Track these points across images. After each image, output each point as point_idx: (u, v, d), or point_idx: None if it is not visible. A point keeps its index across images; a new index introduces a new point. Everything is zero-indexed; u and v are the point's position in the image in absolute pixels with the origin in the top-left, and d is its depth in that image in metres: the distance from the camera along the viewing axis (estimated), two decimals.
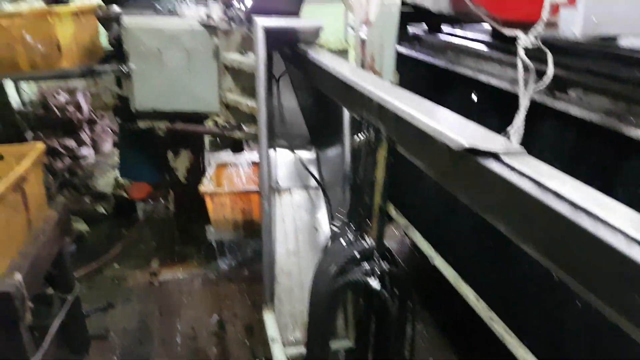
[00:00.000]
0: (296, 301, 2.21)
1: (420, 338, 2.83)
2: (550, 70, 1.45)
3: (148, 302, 3.10)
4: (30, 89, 4.93)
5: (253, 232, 3.19)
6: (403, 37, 2.63)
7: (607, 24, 1.17)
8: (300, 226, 2.40)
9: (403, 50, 2.70)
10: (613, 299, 0.53)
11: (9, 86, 4.40)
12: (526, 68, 1.55)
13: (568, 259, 0.60)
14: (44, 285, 2.63)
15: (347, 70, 1.56)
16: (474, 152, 0.79)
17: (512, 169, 0.70)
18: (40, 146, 2.23)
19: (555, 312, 1.61)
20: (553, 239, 0.63)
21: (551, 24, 1.45)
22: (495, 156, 0.77)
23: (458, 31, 2.50)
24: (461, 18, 2.46)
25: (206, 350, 2.72)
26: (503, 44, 2.01)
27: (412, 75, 2.73)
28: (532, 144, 1.77)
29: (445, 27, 2.58)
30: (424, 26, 2.70)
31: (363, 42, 2.58)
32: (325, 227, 2.43)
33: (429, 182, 2.41)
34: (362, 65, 2.58)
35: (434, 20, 2.45)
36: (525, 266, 1.73)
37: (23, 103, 4.63)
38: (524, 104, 1.56)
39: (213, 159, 3.64)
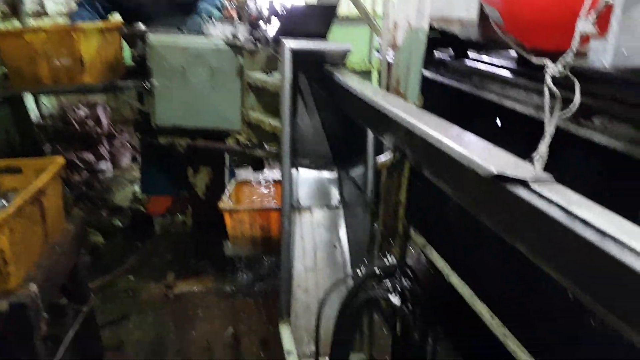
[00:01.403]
0: (312, 316, 2.22)
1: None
2: (577, 98, 1.48)
3: (163, 314, 3.11)
4: (50, 102, 5.02)
5: (271, 248, 3.21)
6: (429, 61, 2.66)
7: (638, 55, 1.20)
8: (319, 244, 2.42)
9: (428, 74, 2.74)
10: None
11: (29, 100, 4.48)
12: (552, 95, 1.58)
13: (594, 285, 0.62)
14: (59, 297, 2.67)
15: (373, 93, 1.59)
16: (502, 179, 0.81)
17: (541, 196, 0.72)
18: (59, 160, 2.27)
19: (570, 332, 1.61)
20: (581, 266, 0.65)
21: (579, 53, 1.48)
22: (524, 183, 0.79)
23: (484, 57, 2.54)
24: (488, 45, 2.50)
25: None
26: (528, 71, 2.04)
27: (436, 99, 2.76)
28: (555, 171, 1.80)
29: (471, 53, 2.62)
30: (450, 51, 2.74)
31: (389, 65, 2.63)
32: (344, 245, 2.45)
33: (447, 202, 2.42)
34: (388, 88, 2.63)
35: (461, 46, 2.49)
36: (542, 286, 1.73)
37: (42, 116, 4.71)
38: (549, 131, 1.58)
39: (234, 177, 3.68)
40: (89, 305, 2.57)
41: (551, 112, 1.58)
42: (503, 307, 2.03)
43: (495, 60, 2.41)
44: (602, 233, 0.62)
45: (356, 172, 2.45)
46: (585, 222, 0.65)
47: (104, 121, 4.89)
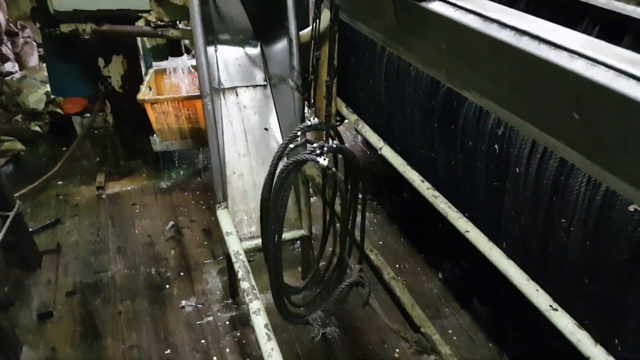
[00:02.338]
0: (251, 200, 2.21)
1: (371, 226, 2.95)
2: None
3: (98, 215, 3.03)
4: None
5: (202, 140, 3.10)
6: None
7: None
8: (249, 127, 2.34)
9: None
10: (556, 120, 0.53)
11: None
12: None
13: (513, 89, 0.59)
14: None
15: None
16: None
17: (456, 6, 0.67)
18: None
19: (498, 189, 1.68)
20: (498, 73, 0.61)
21: None
22: None
23: None
24: None
25: (165, 254, 2.74)
26: None
27: None
28: None
29: None
30: None
31: None
32: (275, 127, 2.38)
33: (377, 77, 2.36)
34: None
35: None
36: (469, 147, 1.77)
37: None
38: None
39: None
40: (16, 212, 2.45)
41: None
42: (432, 172, 2.09)
43: None
44: (519, 31, 0.56)
45: (280, 46, 2.31)
46: (500, 24, 0.59)
47: (1, 18, 4.32)
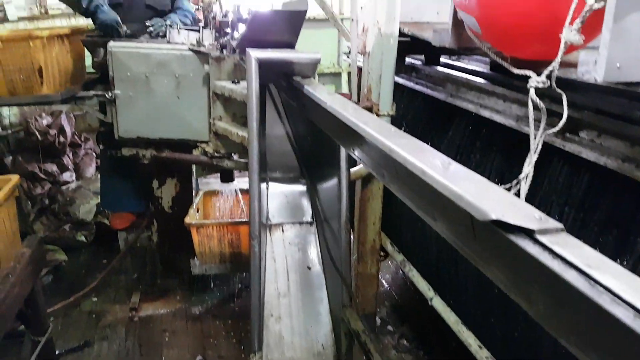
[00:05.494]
0: (287, 349, 2.06)
1: None
2: (565, 112, 1.37)
3: (127, 340, 2.92)
4: (11, 111, 4.76)
5: (241, 265, 3.05)
6: (399, 67, 2.56)
7: (632, 68, 1.09)
8: (292, 265, 2.27)
9: (399, 80, 2.63)
10: None
11: None
12: (536, 107, 1.47)
13: None
14: (15, 324, 2.47)
15: (344, 107, 1.45)
16: (501, 226, 0.68)
17: (551, 252, 0.60)
18: (15, 179, 2.09)
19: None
20: (606, 344, 0.52)
21: (564, 63, 1.37)
22: (528, 233, 0.65)
23: (457, 62, 2.44)
24: (463, 52, 2.40)
25: None
26: (505, 78, 1.93)
27: (409, 106, 2.66)
28: (540, 187, 1.69)
29: (443, 58, 2.52)
30: (421, 56, 2.64)
31: (359, 70, 2.50)
32: (318, 266, 2.30)
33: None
34: (358, 97, 2.51)
35: (433, 52, 2.38)
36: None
37: (3, 126, 4.46)
38: (534, 148, 1.47)
39: (201, 186, 3.51)
40: (48, 336, 2.39)
41: (536, 127, 1.47)
42: (491, 338, 1.91)
43: (469, 65, 2.31)
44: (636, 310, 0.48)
45: (328, 184, 2.32)
46: (612, 293, 0.52)
47: (68, 130, 4.65)
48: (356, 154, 1.33)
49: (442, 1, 2.40)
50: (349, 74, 3.83)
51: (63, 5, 4.42)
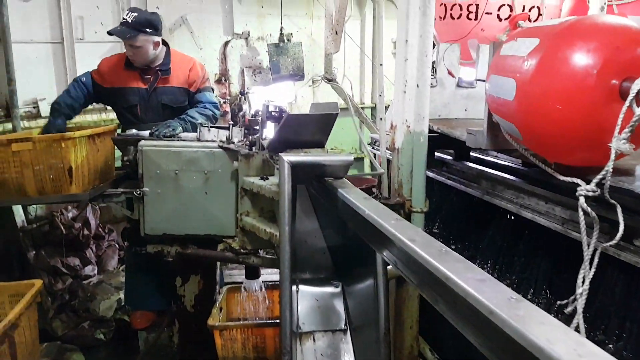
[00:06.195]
0: None
1: None
2: (622, 225, 1.29)
3: None
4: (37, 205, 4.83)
5: None
6: (429, 162, 2.54)
7: None
8: None
9: (430, 174, 2.60)
10: None
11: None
12: (586, 213, 1.39)
13: None
14: None
15: (377, 213, 1.40)
16: None
17: None
18: (38, 284, 2.04)
19: None
20: None
21: (615, 171, 1.31)
22: None
23: (487, 157, 2.41)
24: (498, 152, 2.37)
25: None
26: (540, 175, 1.88)
27: (442, 202, 2.60)
28: (595, 297, 1.57)
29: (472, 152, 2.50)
30: (450, 150, 2.62)
31: (388, 163, 2.48)
32: None
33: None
34: (389, 192, 2.46)
35: (464, 148, 2.36)
36: None
37: (28, 220, 4.50)
38: (588, 259, 1.37)
39: (225, 278, 3.41)
40: None
41: (589, 235, 1.39)
42: None
43: (501, 161, 2.27)
44: None
45: (362, 286, 2.20)
46: None
47: (93, 223, 4.68)
48: (398, 267, 1.25)
49: (470, 99, 2.42)
50: (371, 162, 3.84)
51: None
